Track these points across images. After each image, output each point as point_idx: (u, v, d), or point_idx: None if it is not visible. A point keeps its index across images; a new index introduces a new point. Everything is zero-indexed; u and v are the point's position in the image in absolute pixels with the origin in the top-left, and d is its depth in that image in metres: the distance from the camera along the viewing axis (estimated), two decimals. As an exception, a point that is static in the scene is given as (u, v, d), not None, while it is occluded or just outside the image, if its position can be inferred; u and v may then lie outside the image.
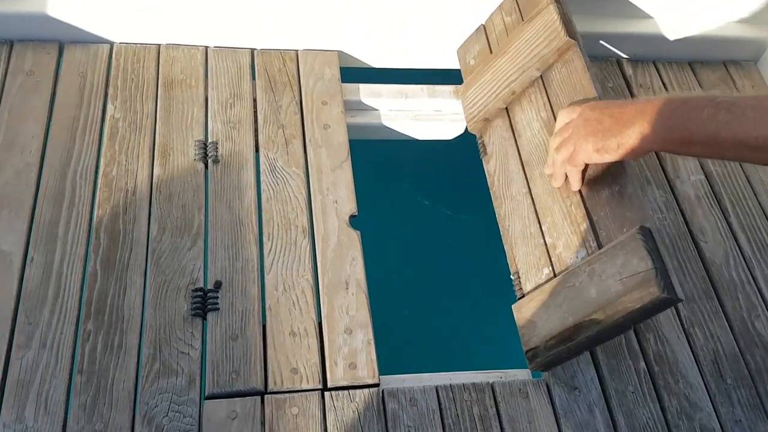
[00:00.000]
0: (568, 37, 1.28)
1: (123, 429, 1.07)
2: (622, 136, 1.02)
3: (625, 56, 1.79)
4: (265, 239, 1.30)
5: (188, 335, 1.16)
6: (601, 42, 1.74)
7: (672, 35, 1.75)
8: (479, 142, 1.48)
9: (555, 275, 1.17)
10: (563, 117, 1.16)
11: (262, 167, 1.39)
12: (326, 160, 1.42)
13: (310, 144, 1.44)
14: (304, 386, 1.15)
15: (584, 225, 1.14)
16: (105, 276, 1.20)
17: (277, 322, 1.20)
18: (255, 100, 1.49)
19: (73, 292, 1.18)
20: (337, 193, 1.38)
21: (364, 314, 1.23)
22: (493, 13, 1.54)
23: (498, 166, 1.40)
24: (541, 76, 1.35)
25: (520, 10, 1.45)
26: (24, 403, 1.07)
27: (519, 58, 1.38)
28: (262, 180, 1.37)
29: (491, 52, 1.50)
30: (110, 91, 1.44)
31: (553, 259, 1.19)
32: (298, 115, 1.48)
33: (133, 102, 1.43)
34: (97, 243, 1.23)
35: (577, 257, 1.13)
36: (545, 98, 1.33)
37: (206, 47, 1.54)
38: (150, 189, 1.32)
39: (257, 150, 1.42)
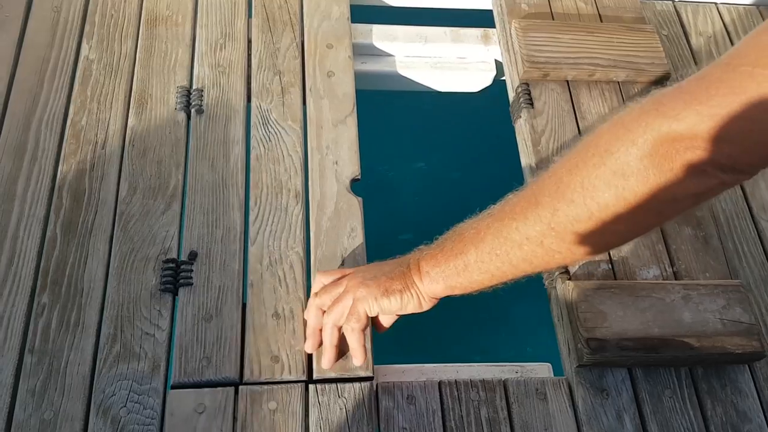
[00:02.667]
0: (670, 72, 1.33)
1: (75, 419, 0.93)
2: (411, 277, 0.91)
3: (683, -1, 1.55)
4: (251, 204, 1.13)
5: (155, 314, 1.01)
6: (656, -19, 1.50)
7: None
8: (521, 90, 1.27)
9: (615, 276, 1.12)
10: (317, 283, 1.00)
11: (253, 120, 1.21)
12: (328, 114, 1.24)
13: (310, 94, 1.26)
14: (285, 377, 0.99)
15: (659, 246, 1.16)
16: (65, 242, 1.05)
17: (259, 301, 1.04)
18: (249, 41, 1.30)
19: (29, 259, 1.04)
20: (338, 152, 1.20)
21: (359, 295, 1.06)
22: None
23: (549, 128, 1.26)
24: (619, 83, 1.33)
25: (597, 6, 1.44)
26: (-34, 384, 0.94)
27: (611, 51, 1.33)
28: (252, 135, 1.20)
29: (553, 18, 1.40)
30: (86, 29, 1.27)
31: (614, 259, 1.14)
32: (299, 60, 1.29)
33: (110, 41, 1.26)
34: (59, 203, 1.08)
35: (648, 272, 1.14)
36: (622, 105, 1.29)
37: (198, -21, 1.35)
38: (122, 142, 1.15)
39: (249, 100, 1.24)
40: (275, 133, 1.20)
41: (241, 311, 1.03)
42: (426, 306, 0.91)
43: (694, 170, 0.65)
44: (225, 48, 1.28)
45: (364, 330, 0.95)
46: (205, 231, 1.09)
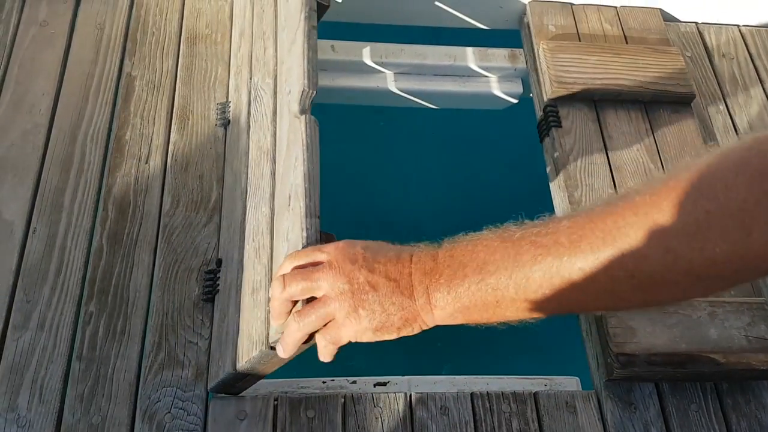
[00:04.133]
0: (695, 94, 1.38)
1: (121, 425, 0.97)
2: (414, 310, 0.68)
3: (705, 21, 1.58)
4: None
5: (198, 322, 1.05)
6: (679, 2, 1.53)
7: (762, -4, 1.54)
8: (549, 110, 1.31)
9: None
10: (287, 264, 0.75)
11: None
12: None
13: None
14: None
15: None
16: (111, 252, 1.09)
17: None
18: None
19: (76, 269, 1.08)
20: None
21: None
22: (587, 7, 1.50)
23: (577, 148, 1.29)
24: (645, 104, 1.35)
25: (623, 29, 1.48)
26: (18, 389, 0.98)
27: (637, 72, 1.36)
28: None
29: (579, 39, 1.44)
30: (128, 46, 1.31)
31: None
32: (333, 78, 1.33)
33: (152, 58, 1.30)
34: (105, 215, 1.12)
35: None
36: (648, 125, 1.34)
37: (235, -1, 1.40)
38: (165, 157, 1.20)
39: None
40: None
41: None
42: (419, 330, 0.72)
43: None
44: (262, 66, 1.32)
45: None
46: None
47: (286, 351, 0.75)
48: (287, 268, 0.73)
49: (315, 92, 0.93)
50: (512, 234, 0.62)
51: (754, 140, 0.53)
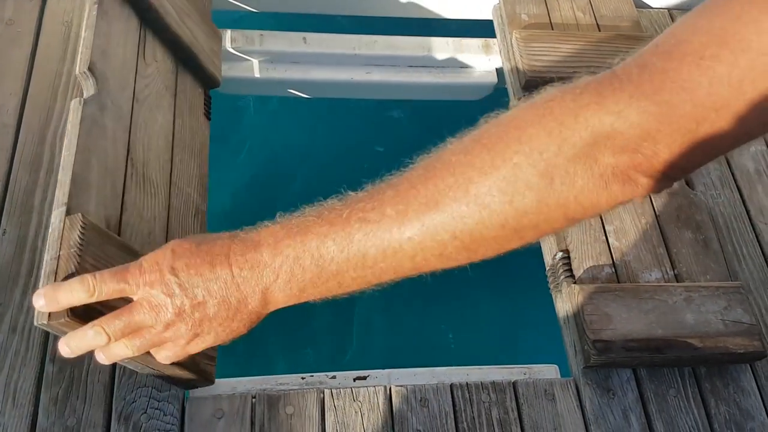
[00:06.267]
0: None
1: (97, 426, 0.96)
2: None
3: (676, 6, 1.58)
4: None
5: (173, 322, 1.04)
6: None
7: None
8: (523, 98, 1.30)
9: (618, 279, 1.15)
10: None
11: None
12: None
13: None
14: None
15: (660, 250, 1.19)
16: (83, 253, 1.08)
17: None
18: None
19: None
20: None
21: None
22: None
23: None
24: None
25: (595, 16, 1.47)
26: (-10, 393, 0.96)
27: (609, 60, 1.26)
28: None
29: (552, 28, 1.43)
30: (97, 43, 1.29)
31: (617, 263, 1.17)
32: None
33: (121, 55, 1.28)
34: (76, 215, 1.11)
35: (650, 275, 1.17)
36: None
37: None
38: (136, 154, 1.18)
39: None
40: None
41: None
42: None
43: (622, 176, 0.56)
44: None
45: None
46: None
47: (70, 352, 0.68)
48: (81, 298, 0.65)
49: (89, 76, 0.96)
50: (340, 213, 0.60)
51: (557, 90, 0.56)
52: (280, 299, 0.63)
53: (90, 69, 0.96)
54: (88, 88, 0.96)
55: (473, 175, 0.57)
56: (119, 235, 0.91)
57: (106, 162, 0.93)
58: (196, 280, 0.62)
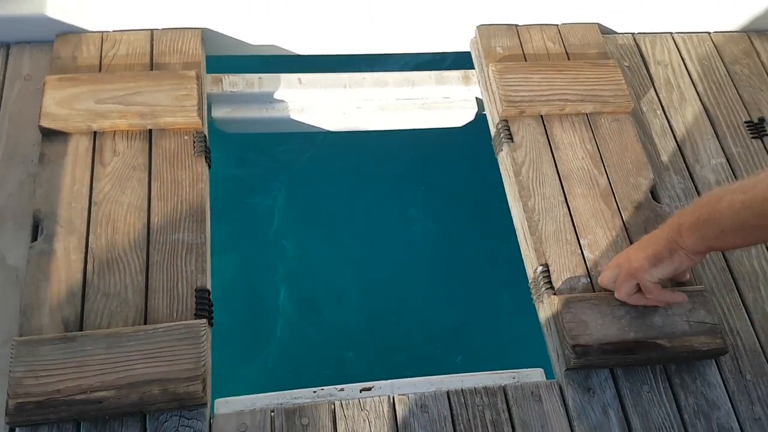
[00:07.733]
0: (632, 103, 1.50)
1: (134, 445, 1.07)
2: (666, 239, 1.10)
3: (641, 31, 1.71)
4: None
5: (196, 347, 1.16)
6: (615, 14, 1.66)
7: (689, 3, 1.67)
8: (501, 127, 1.43)
9: (593, 289, 1.27)
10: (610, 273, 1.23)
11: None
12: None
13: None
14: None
15: None
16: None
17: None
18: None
19: (79, 306, 1.18)
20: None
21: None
22: (530, 27, 1.63)
23: (528, 160, 1.41)
24: (587, 114, 1.48)
25: (564, 46, 1.61)
26: (36, 420, 1.07)
27: (579, 87, 1.50)
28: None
29: (525, 59, 1.56)
30: (110, 93, 1.41)
31: (592, 274, 1.28)
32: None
33: (133, 104, 1.40)
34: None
35: None
36: (591, 135, 1.47)
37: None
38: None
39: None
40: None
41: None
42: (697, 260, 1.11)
43: None
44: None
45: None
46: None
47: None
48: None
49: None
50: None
51: None
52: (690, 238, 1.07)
53: (34, 216, 1.19)
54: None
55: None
56: (82, 323, 1.12)
57: (59, 276, 1.15)
58: None
